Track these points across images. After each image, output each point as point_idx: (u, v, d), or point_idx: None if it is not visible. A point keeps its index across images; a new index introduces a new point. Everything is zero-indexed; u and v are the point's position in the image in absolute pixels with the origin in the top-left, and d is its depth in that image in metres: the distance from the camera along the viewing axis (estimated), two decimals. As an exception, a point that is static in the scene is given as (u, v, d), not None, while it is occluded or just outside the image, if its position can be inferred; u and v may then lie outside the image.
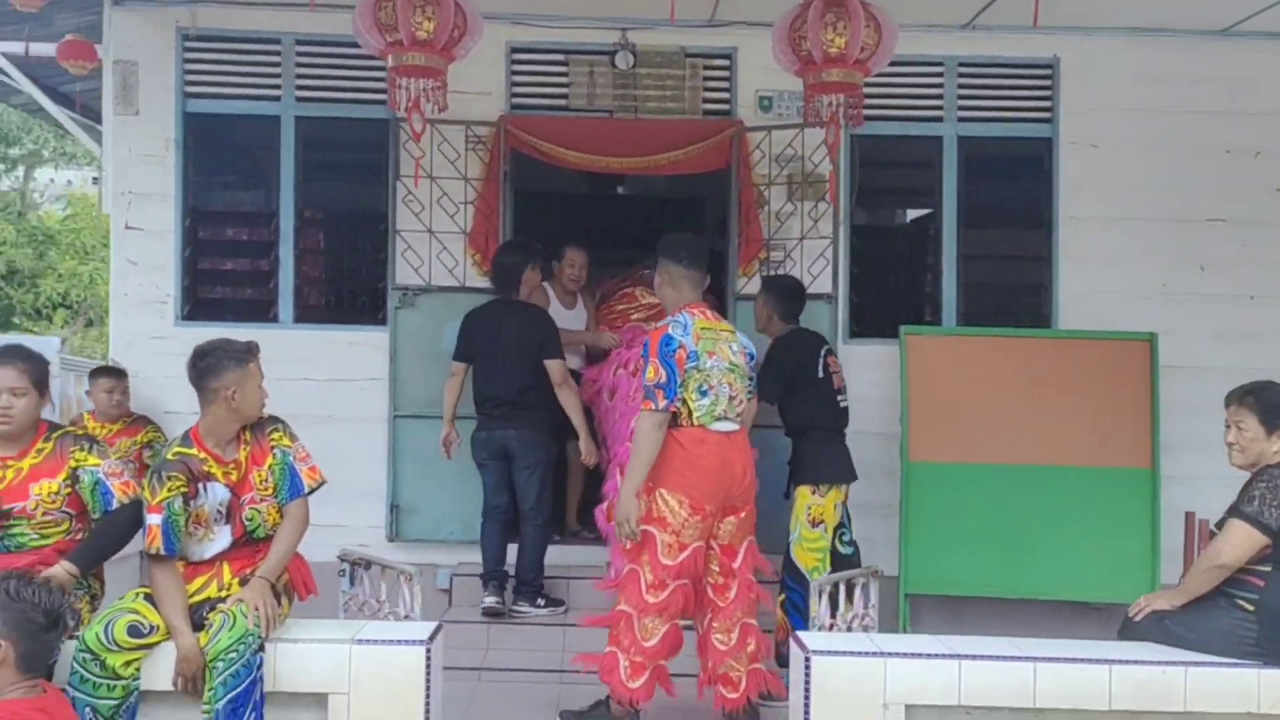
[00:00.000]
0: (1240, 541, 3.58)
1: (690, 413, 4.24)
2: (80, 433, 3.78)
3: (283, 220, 6.33)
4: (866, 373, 6.14)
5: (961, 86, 6.47)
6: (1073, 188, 6.36)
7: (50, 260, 17.57)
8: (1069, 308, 6.35)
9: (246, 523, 3.56)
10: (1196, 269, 6.32)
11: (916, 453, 5.87)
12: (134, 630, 3.37)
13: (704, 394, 4.23)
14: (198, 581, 3.53)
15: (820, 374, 5.38)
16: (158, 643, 3.40)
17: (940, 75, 6.47)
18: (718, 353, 4.30)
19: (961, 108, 6.46)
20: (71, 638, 3.36)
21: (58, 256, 17.65)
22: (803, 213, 6.23)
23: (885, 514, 5.97)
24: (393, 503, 6.15)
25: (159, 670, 3.40)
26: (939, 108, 6.47)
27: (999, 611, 5.75)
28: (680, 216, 7.88)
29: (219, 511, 3.55)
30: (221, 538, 3.57)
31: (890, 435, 5.98)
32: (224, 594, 3.51)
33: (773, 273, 6.18)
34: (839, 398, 5.45)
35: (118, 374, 5.83)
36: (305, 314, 6.36)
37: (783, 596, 5.26)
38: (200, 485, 3.50)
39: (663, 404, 4.16)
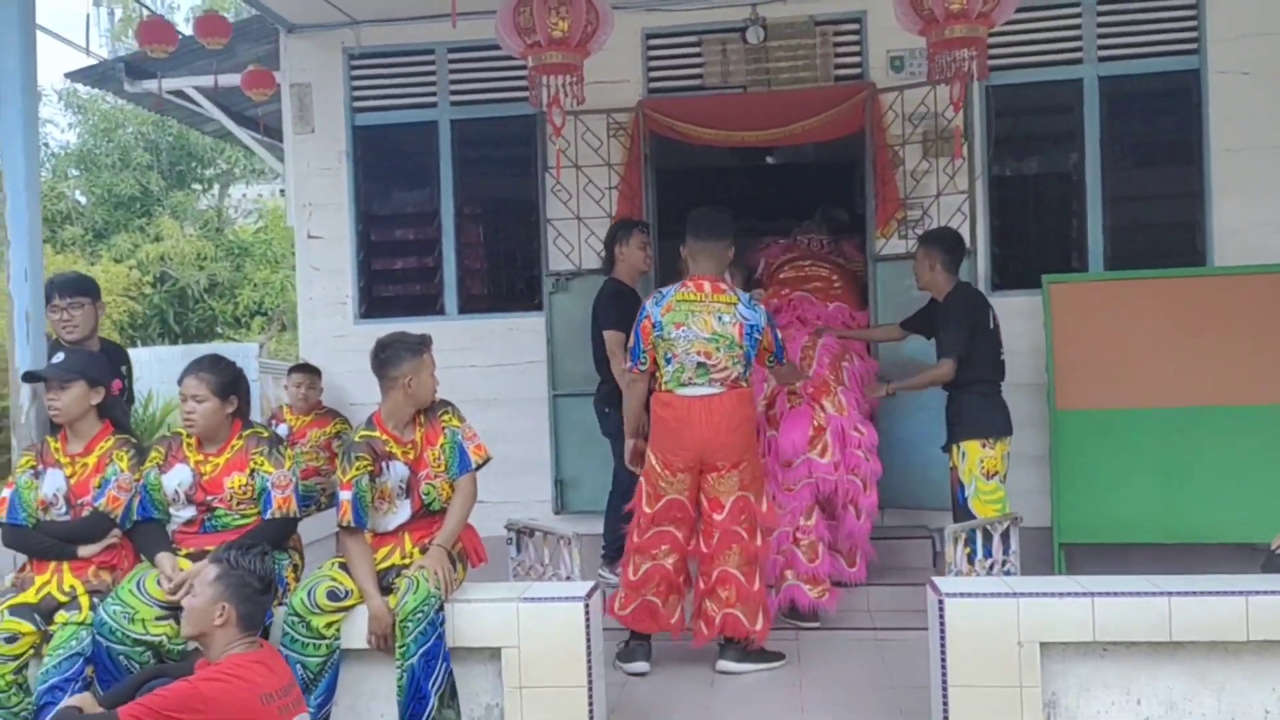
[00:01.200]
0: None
1: (661, 378, 4.71)
2: (266, 434, 4.19)
3: (444, 218, 6.84)
4: (1012, 324, 6.06)
5: (1101, 25, 6.37)
6: (1224, 118, 6.19)
7: (246, 271, 18.96)
8: (1225, 243, 6.19)
9: (424, 496, 3.98)
10: (1361, 193, 6.06)
11: (1064, 401, 5.88)
12: (332, 594, 3.84)
13: (669, 361, 4.66)
14: (383, 550, 3.98)
15: (991, 326, 5.43)
16: (353, 605, 3.86)
17: (1078, 15, 6.38)
18: (690, 324, 4.63)
19: (1102, 47, 6.36)
20: (280, 604, 3.86)
21: (252, 267, 19.04)
22: (938, 169, 6.28)
23: (1037, 464, 6.00)
24: (557, 477, 6.56)
25: (355, 630, 3.85)
26: (1078, 49, 6.39)
27: (1159, 557, 5.70)
28: (828, 181, 8.00)
29: (400, 487, 3.98)
30: (403, 511, 4.00)
31: (1038, 386, 6.00)
32: (407, 561, 3.95)
33: (911, 231, 6.26)
34: (1001, 351, 5.50)
35: (309, 370, 6.43)
36: (468, 304, 6.86)
37: (969, 550, 5.32)
38: (384, 464, 3.95)
39: (627, 365, 4.88)
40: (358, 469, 3.89)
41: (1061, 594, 3.66)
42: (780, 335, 4.91)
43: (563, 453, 6.55)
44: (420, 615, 3.70)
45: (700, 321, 4.64)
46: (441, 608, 3.80)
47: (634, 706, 4.46)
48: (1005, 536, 4.39)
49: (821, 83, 6.54)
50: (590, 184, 6.62)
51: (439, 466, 4.00)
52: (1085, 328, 5.91)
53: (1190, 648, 3.62)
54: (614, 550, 5.86)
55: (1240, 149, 6.16)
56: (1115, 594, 3.63)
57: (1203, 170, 6.24)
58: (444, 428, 4.04)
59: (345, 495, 3.88)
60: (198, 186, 20.63)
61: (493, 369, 6.71)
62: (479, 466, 4.05)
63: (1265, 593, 3.56)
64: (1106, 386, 5.86)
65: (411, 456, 3.99)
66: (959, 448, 5.28)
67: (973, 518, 5.17)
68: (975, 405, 5.29)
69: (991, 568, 4.25)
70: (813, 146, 7.55)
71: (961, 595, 3.72)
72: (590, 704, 3.81)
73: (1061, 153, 6.54)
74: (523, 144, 6.74)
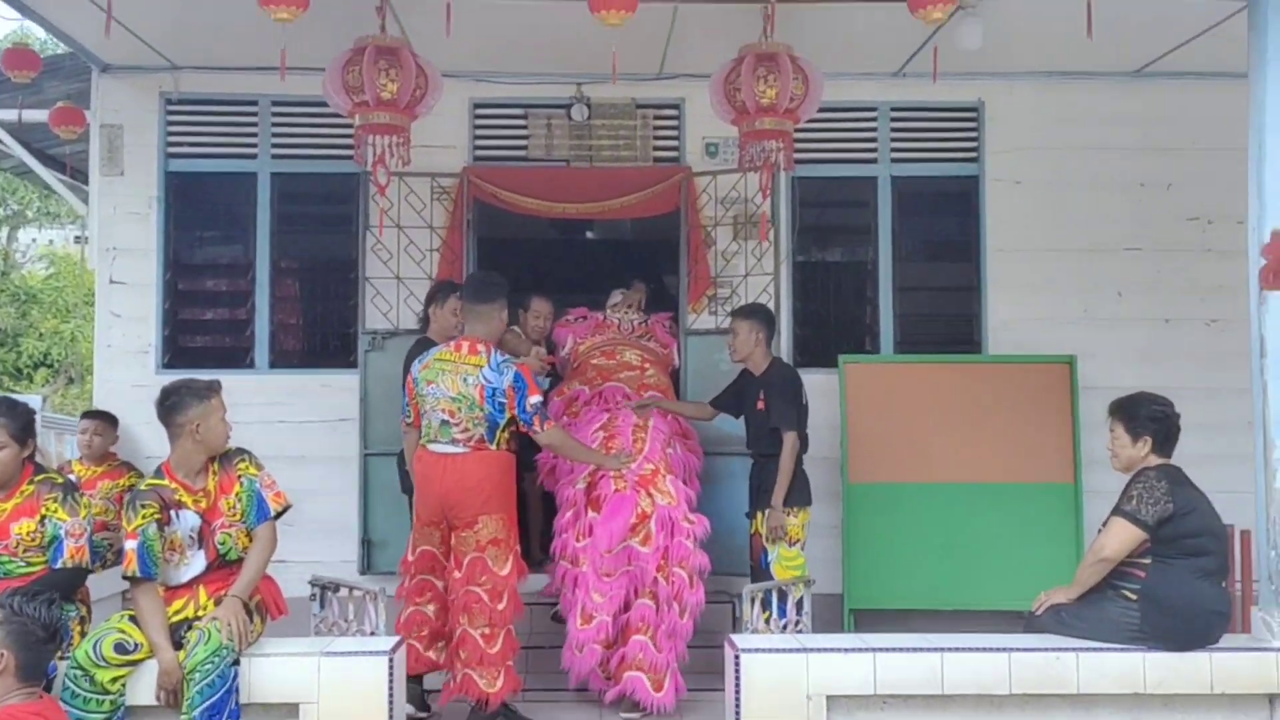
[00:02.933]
0: (1121, 536, 3.97)
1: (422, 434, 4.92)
2: (60, 480, 4.06)
3: (258, 271, 6.74)
4: (811, 400, 6.50)
5: (894, 130, 6.93)
6: (998, 221, 6.81)
7: (32, 319, 17.88)
8: (997, 334, 6.77)
9: (219, 546, 3.89)
10: (1114, 295, 6.76)
11: (856, 474, 6.27)
12: (120, 648, 3.70)
13: (423, 417, 4.89)
14: (177, 604, 3.86)
15: (804, 401, 5.73)
16: (142, 660, 3.73)
17: (874, 120, 6.93)
18: (439, 382, 4.80)
19: (894, 149, 6.92)
20: (63, 658, 3.69)
21: (40, 315, 17.97)
22: (747, 251, 6.65)
23: (830, 534, 6.34)
24: (365, 537, 6.48)
25: (142, 685, 3.73)
26: (873, 150, 6.92)
27: (939, 623, 6.09)
28: (644, 258, 8.28)
29: (191, 537, 3.87)
30: (196, 562, 3.90)
31: (833, 459, 6.37)
32: (200, 614, 3.85)
33: (720, 308, 6.59)
34: (806, 424, 5.79)
35: (101, 417, 6.16)
36: (280, 359, 6.74)
37: (767, 614, 5.51)
38: (172, 512, 3.83)
39: (401, 418, 5.16)
40: (143, 517, 3.78)
41: (847, 650, 3.91)
42: (531, 401, 4.78)
43: (372, 512, 6.48)
44: (209, 667, 3.61)
45: (448, 381, 4.78)
46: (236, 661, 3.71)
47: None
48: (799, 600, 4.63)
49: (641, 162, 6.85)
50: (411, 245, 6.67)
51: (234, 515, 3.92)
52: (875, 405, 6.35)
53: (960, 700, 3.92)
54: None
55: (1011, 250, 6.79)
56: (894, 649, 3.91)
57: (979, 267, 6.85)
58: (240, 475, 3.95)
59: (130, 545, 3.77)
60: (-17, 227, 19.41)
61: (304, 425, 6.60)
62: (279, 515, 3.99)
63: (1026, 649, 3.91)
64: (892, 461, 6.30)
65: (204, 505, 3.90)
66: (764, 514, 5.52)
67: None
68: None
69: (785, 627, 4.47)
70: (631, 224, 7.86)
71: (756, 651, 3.92)
72: (391, 762, 3.78)
73: (859, 243, 7.03)
74: (344, 201, 6.75)
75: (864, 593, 6.24)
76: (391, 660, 3.85)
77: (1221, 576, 4.06)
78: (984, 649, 3.90)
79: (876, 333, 6.88)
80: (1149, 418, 4.12)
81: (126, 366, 6.59)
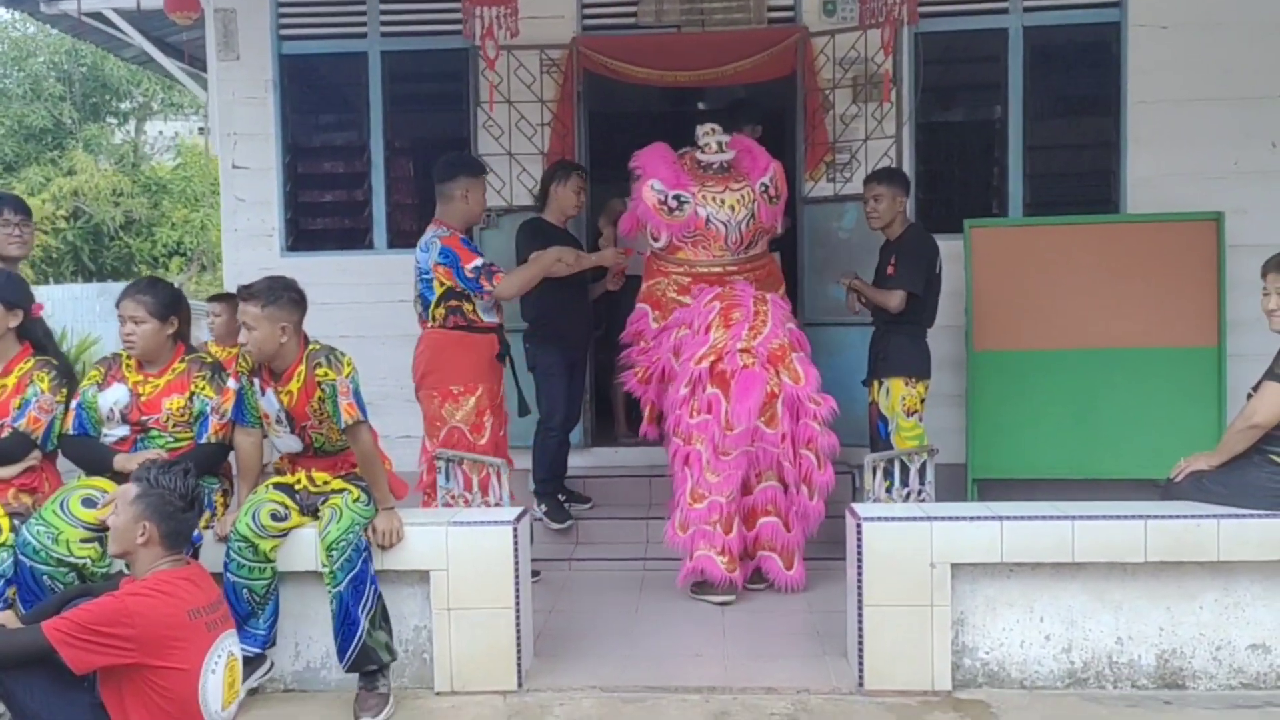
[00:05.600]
0: (1274, 401, 3.75)
1: None
2: (209, 359, 4.20)
3: (373, 152, 6.76)
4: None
5: (1028, -25, 6.48)
6: (1141, 71, 6.35)
7: (164, 209, 18.49)
8: (1137, 192, 6.38)
9: (314, 440, 3.97)
10: (1268, 146, 6.29)
11: (981, 342, 6.07)
12: (275, 515, 3.85)
13: None
14: (297, 475, 4.03)
15: (938, 270, 5.55)
16: (292, 527, 3.87)
17: (1005, -35, 6.49)
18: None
19: (1027, -4, 6.48)
20: (207, 527, 3.86)
21: (170, 205, 18.57)
22: (867, 114, 6.37)
23: (954, 403, 6.20)
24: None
25: (293, 554, 3.87)
26: (1004, -1, 6.50)
27: (1068, 492, 5.91)
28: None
29: (280, 418, 3.94)
30: (290, 441, 3.99)
31: (958, 327, 6.17)
32: (316, 489, 3.99)
33: (839, 175, 6.38)
34: (938, 296, 5.61)
35: (228, 299, 6.33)
36: (398, 239, 6.77)
37: (889, 484, 5.46)
38: (257, 383, 3.94)
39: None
40: (240, 366, 3.98)
41: (972, 518, 3.83)
42: (469, 268, 4.83)
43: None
44: (345, 543, 3.73)
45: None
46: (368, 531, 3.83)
47: (559, 630, 4.56)
48: (921, 469, 4.54)
49: (755, 24, 6.57)
50: (523, 120, 6.59)
51: (321, 415, 3.91)
52: (1003, 271, 6.09)
53: (1091, 569, 3.82)
54: (546, 486, 5.94)
55: (1156, 101, 6.34)
56: (1022, 518, 3.81)
57: (1119, 121, 6.42)
58: (319, 382, 3.84)
59: (231, 384, 4.01)
60: (112, 120, 19.97)
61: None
62: (350, 426, 3.83)
63: (1162, 516, 3.76)
64: (1022, 329, 6.06)
65: (290, 403, 3.92)
66: (883, 384, 5.42)
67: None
68: (903, 345, 5.42)
69: (908, 496, 4.40)
70: (744, 90, 7.60)
71: (878, 519, 3.87)
72: (518, 625, 3.89)
73: (986, 100, 6.67)
74: (454, 78, 6.68)
75: (989, 462, 6.10)
76: (515, 529, 3.92)
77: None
78: (1118, 516, 3.77)
79: (1005, 195, 6.56)
80: None
81: (253, 249, 6.74)
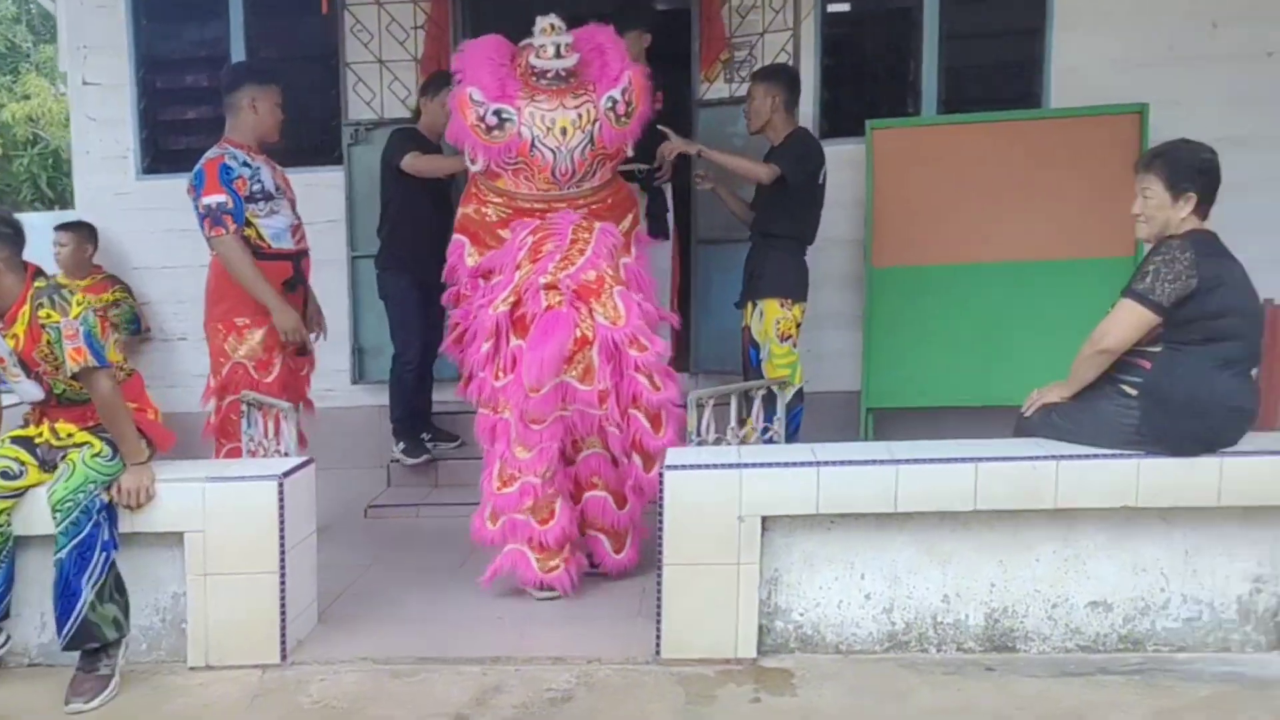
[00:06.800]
0: (1128, 321, 3.27)
1: None
2: (44, 283, 3.50)
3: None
4: (839, 174, 5.68)
5: None
6: (1066, -53, 5.68)
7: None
8: (1063, 83, 5.73)
9: (53, 387, 3.52)
10: (1208, 26, 5.62)
11: (881, 257, 5.53)
12: (6, 474, 3.47)
13: None
14: (41, 427, 3.60)
15: (820, 181, 5.02)
16: (28, 486, 3.49)
17: None
18: None
19: None
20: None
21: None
22: (765, 4, 5.76)
23: (852, 325, 5.71)
24: (356, 345, 6.16)
25: (32, 515, 3.48)
26: None
27: (975, 421, 5.46)
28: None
29: (14, 360, 3.48)
30: (30, 388, 3.53)
31: (857, 241, 5.67)
32: (59, 443, 3.55)
33: (736, 74, 5.80)
34: (820, 210, 5.09)
35: (77, 228, 5.92)
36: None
37: (748, 420, 5.02)
38: None
39: None
40: None
41: (787, 464, 3.37)
42: (203, 202, 4.35)
43: (361, 319, 6.14)
44: (71, 504, 3.34)
45: None
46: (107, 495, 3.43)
47: (363, 590, 4.20)
48: (768, 403, 4.08)
49: (646, -95, 5.92)
50: (394, 23, 6.03)
51: (52, 361, 3.45)
52: (909, 177, 5.52)
53: (919, 519, 3.37)
54: (403, 424, 5.54)
55: (1083, -22, 5.68)
56: (842, 463, 3.36)
57: (1045, 3, 5.76)
58: (43, 325, 3.40)
59: None
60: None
61: (293, 227, 6.21)
62: (76, 373, 3.41)
63: (995, 459, 3.30)
64: (926, 241, 5.51)
65: (17, 347, 3.46)
66: (756, 305, 4.92)
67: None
68: (779, 263, 4.91)
69: (745, 438, 3.94)
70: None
71: (682, 468, 3.42)
72: (282, 591, 3.51)
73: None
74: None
75: (886, 390, 5.59)
76: (281, 484, 3.52)
77: (1249, 365, 3.30)
78: (946, 459, 3.30)
79: (919, 93, 5.95)
80: (1196, 169, 3.31)
81: (107, 173, 6.27)
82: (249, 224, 4.52)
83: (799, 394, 4.97)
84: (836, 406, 5.64)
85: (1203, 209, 3.36)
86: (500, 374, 3.98)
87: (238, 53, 6.24)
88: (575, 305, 3.93)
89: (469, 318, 4.18)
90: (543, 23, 4.12)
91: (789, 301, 4.87)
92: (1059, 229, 5.41)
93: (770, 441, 4.06)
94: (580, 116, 4.04)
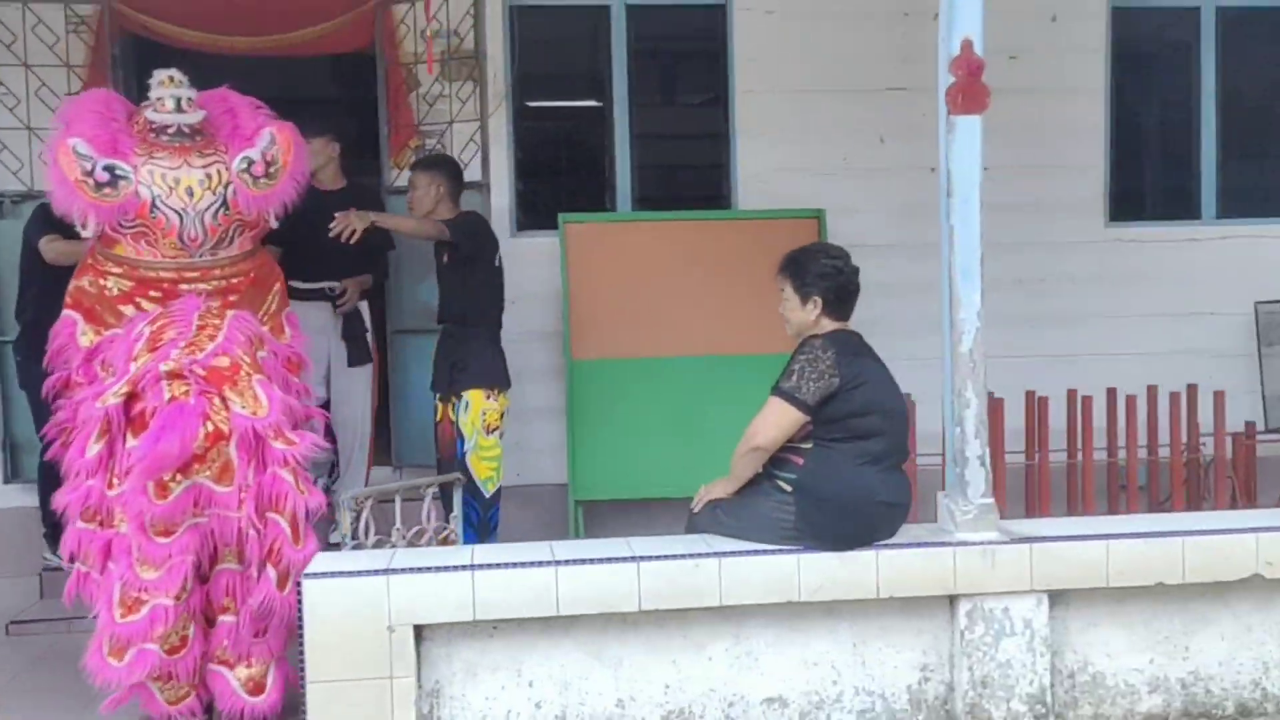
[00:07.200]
0: (777, 419, 3.28)
1: None
2: None
3: None
4: (536, 269, 5.69)
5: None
6: (747, 59, 5.92)
7: None
8: (749, 187, 5.94)
9: None
10: (876, 141, 6.00)
11: (580, 349, 5.45)
12: None
13: None
14: None
15: (496, 264, 4.89)
16: None
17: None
18: None
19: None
20: None
21: None
22: (453, 94, 5.67)
23: (553, 418, 5.59)
24: (7, 439, 5.55)
25: None
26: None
27: (678, 514, 5.46)
28: (343, 106, 7.13)
29: None
30: None
31: (555, 333, 5.60)
32: None
33: (427, 159, 5.66)
34: (502, 294, 4.96)
35: None
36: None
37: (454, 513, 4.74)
38: None
39: None
40: None
41: (439, 568, 3.13)
42: None
43: (12, 409, 5.49)
44: None
45: None
46: None
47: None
48: (443, 500, 3.84)
49: (330, -16, 5.73)
50: (44, 88, 5.50)
51: None
52: (602, 271, 5.51)
53: (585, 621, 3.21)
54: (59, 527, 4.90)
55: (763, 91, 5.90)
56: (498, 565, 3.15)
57: (729, 111, 5.97)
58: None
59: None
60: None
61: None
62: None
63: (655, 557, 3.19)
64: (622, 335, 5.50)
65: None
66: (461, 397, 4.70)
67: (469, 474, 4.63)
68: (480, 351, 4.75)
69: (415, 539, 3.67)
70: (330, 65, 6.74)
71: (322, 575, 3.12)
72: None
73: (592, 85, 6.10)
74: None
75: (593, 482, 5.48)
76: None
77: (895, 460, 3.38)
78: (604, 559, 3.17)
79: (614, 189, 6.01)
80: (819, 274, 3.40)
81: None
82: None
83: (500, 489, 4.78)
84: (545, 499, 5.49)
85: (839, 310, 3.44)
86: (115, 481, 3.39)
87: None
88: (206, 394, 3.42)
89: (76, 411, 3.59)
90: (160, 75, 3.76)
91: (494, 391, 4.70)
92: (745, 324, 5.50)
93: (446, 542, 3.82)
94: (209, 177, 3.69)
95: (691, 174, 6.23)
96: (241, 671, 3.49)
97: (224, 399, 3.43)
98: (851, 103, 5.95)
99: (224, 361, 3.49)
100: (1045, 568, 3.29)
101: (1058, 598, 3.34)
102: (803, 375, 3.24)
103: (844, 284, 3.40)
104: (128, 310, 3.74)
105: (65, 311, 3.79)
